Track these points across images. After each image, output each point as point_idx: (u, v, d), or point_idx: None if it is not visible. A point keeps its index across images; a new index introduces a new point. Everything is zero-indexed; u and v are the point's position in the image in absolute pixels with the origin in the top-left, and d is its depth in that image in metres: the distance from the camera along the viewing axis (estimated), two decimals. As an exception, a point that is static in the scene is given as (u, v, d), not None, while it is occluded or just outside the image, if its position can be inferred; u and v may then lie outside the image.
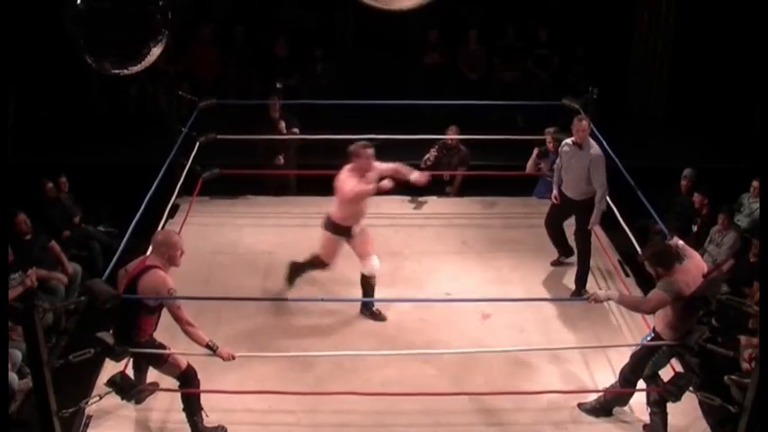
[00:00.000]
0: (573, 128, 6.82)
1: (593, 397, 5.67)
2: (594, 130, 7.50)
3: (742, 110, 10.39)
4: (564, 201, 7.02)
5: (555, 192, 7.13)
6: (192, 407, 5.26)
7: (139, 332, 5.07)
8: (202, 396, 5.31)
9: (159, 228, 6.81)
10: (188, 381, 5.23)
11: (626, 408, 5.62)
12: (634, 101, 11.17)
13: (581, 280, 7.01)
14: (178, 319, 5.01)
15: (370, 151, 6.37)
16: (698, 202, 7.95)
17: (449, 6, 10.29)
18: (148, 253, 5.31)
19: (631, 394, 5.54)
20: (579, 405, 5.63)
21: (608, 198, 7.33)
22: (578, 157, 6.76)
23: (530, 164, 8.45)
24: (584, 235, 6.97)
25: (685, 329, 5.16)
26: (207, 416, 5.31)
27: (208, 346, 5.08)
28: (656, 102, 11.10)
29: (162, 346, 5.19)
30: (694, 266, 5.30)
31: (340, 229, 6.45)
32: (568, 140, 6.90)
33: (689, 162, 8.60)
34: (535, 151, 8.37)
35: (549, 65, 10.75)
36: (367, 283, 6.57)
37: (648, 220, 8.08)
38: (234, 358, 5.19)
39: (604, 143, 7.38)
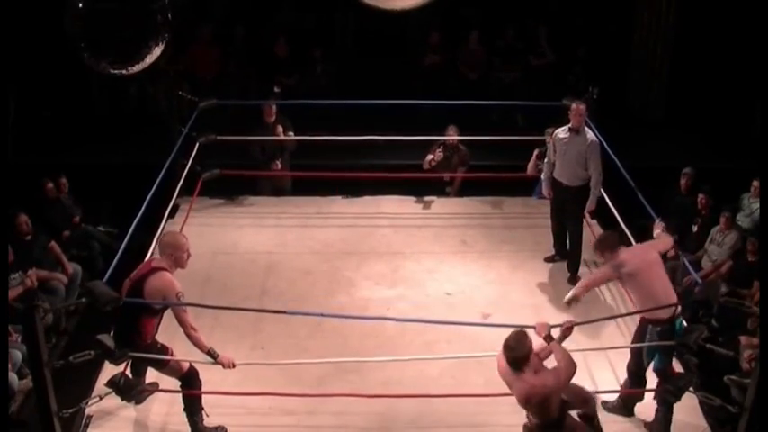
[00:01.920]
0: (570, 113, 6.96)
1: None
2: (594, 129, 7.51)
3: (742, 110, 10.38)
4: (560, 190, 7.13)
5: (547, 189, 7.28)
6: (193, 407, 5.26)
7: (141, 336, 5.06)
8: (203, 396, 5.31)
9: (160, 228, 6.83)
10: (190, 381, 5.23)
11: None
12: (634, 101, 11.17)
13: (574, 266, 7.15)
14: (182, 322, 5.01)
15: None
16: (701, 203, 7.94)
17: (449, 7, 10.29)
18: (150, 254, 5.31)
19: (643, 390, 5.52)
20: (603, 404, 5.54)
21: (607, 198, 7.37)
22: (575, 142, 6.92)
23: (530, 165, 8.46)
24: (578, 221, 7.17)
25: (661, 298, 5.18)
26: (207, 416, 5.31)
27: (209, 353, 5.08)
28: (656, 102, 11.09)
29: (164, 349, 5.19)
30: (645, 247, 5.58)
31: None
32: (563, 128, 7.05)
33: (689, 162, 8.60)
34: (535, 152, 8.37)
35: (549, 65, 10.75)
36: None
37: (648, 220, 8.11)
38: (234, 366, 5.18)
39: (604, 143, 7.39)
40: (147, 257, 5.48)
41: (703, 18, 10.45)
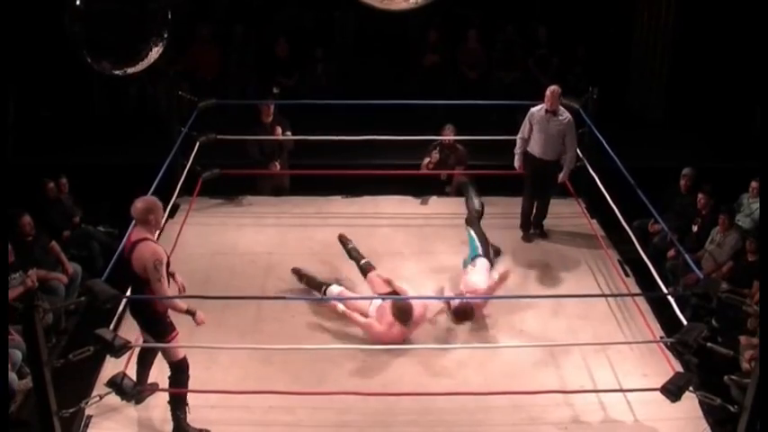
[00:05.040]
0: (545, 97, 7.43)
1: (589, 397, 5.69)
2: (594, 129, 7.52)
3: (742, 110, 10.39)
4: (536, 165, 7.61)
5: (519, 162, 7.74)
6: (178, 401, 5.26)
7: (153, 305, 5.10)
8: (203, 395, 5.32)
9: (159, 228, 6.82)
10: (180, 371, 5.24)
11: (626, 408, 5.64)
12: (634, 101, 11.18)
13: (542, 218, 7.92)
14: (156, 292, 5.02)
15: None
16: (701, 203, 7.94)
17: (449, 6, 10.29)
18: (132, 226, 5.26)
19: None
20: None
21: (608, 197, 7.41)
22: (554, 122, 7.45)
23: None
24: (551, 190, 7.87)
25: None
26: (189, 413, 5.30)
27: (188, 312, 5.13)
28: (655, 102, 11.10)
29: (172, 325, 5.21)
30: None
31: None
32: (538, 108, 7.52)
33: (688, 162, 8.60)
34: None
35: (549, 65, 10.75)
36: None
37: (647, 219, 8.13)
38: (204, 322, 5.23)
39: (604, 142, 7.42)
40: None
41: (703, 18, 10.46)
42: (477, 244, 6.82)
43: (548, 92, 7.42)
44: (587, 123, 8.01)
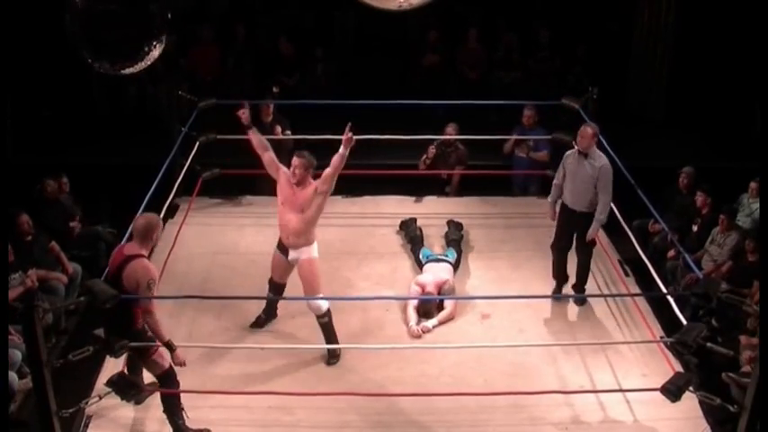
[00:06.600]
0: (578, 135, 6.61)
1: (589, 397, 5.68)
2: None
3: (742, 110, 10.38)
4: (568, 215, 6.73)
5: (551, 212, 6.90)
6: (172, 407, 5.23)
7: (133, 320, 5.05)
8: (203, 395, 5.31)
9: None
10: (167, 381, 5.21)
11: (626, 408, 5.64)
12: (634, 101, 11.17)
13: (581, 285, 6.92)
14: (145, 308, 5.00)
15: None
16: (700, 202, 7.93)
17: (448, 6, 10.29)
18: (131, 240, 5.24)
19: None
20: None
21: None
22: (584, 166, 6.51)
23: (507, 145, 8.76)
24: (587, 248, 6.78)
25: None
26: (188, 417, 5.28)
27: (168, 345, 5.06)
28: (655, 102, 11.09)
29: (152, 340, 5.16)
30: None
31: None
32: (572, 150, 6.75)
33: (689, 162, 8.58)
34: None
35: (549, 65, 10.75)
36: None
37: (647, 219, 8.12)
38: (184, 365, 5.17)
39: (604, 143, 7.39)
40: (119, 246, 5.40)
41: (703, 18, 10.46)
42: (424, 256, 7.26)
43: (580, 130, 6.56)
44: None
